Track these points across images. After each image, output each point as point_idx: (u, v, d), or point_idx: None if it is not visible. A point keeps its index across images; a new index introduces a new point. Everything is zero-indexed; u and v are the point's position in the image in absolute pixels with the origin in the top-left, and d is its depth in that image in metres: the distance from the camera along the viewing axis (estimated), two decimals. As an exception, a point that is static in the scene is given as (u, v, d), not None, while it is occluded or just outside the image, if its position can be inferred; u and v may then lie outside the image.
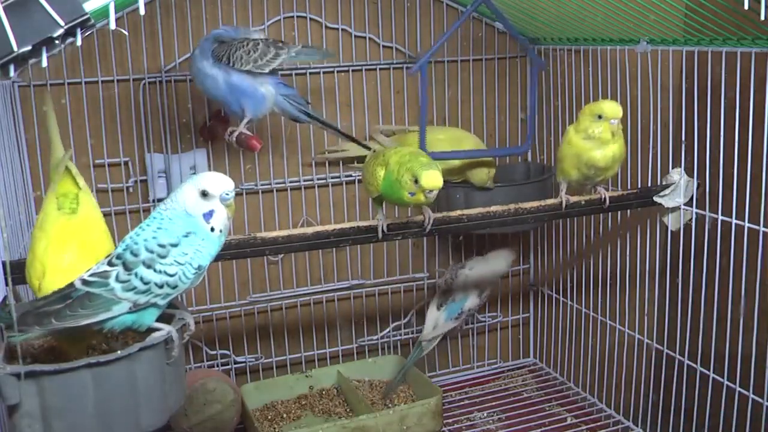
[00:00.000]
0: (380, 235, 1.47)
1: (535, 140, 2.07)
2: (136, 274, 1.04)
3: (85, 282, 1.05)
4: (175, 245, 1.06)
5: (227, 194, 1.08)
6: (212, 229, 1.09)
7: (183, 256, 1.06)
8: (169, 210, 1.09)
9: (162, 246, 1.06)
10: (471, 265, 1.97)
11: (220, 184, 1.08)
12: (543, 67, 1.84)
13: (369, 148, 1.86)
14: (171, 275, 1.05)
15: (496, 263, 1.98)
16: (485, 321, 2.20)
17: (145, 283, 1.04)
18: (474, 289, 1.97)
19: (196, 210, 1.08)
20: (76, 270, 1.10)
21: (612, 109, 1.50)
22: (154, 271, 1.05)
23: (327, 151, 1.94)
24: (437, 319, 1.98)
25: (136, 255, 1.05)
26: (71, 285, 1.05)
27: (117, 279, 1.04)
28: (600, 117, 1.50)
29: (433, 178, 1.28)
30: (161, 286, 1.05)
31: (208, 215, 1.08)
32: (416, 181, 1.29)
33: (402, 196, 1.33)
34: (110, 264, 1.06)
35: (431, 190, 1.29)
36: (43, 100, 1.41)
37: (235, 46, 1.59)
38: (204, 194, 1.07)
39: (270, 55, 1.60)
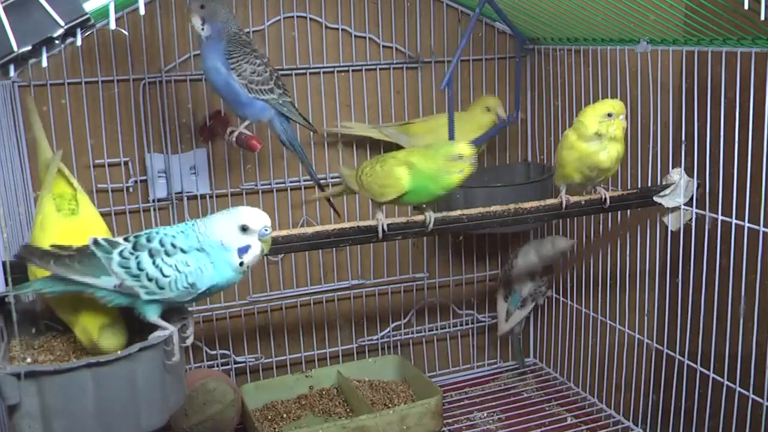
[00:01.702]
0: (380, 234, 1.47)
1: (535, 140, 2.08)
2: (137, 257, 1.06)
3: (96, 242, 1.07)
4: (184, 252, 1.07)
5: (266, 230, 1.10)
6: (241, 264, 1.10)
7: (184, 266, 1.07)
8: (201, 234, 1.09)
9: (173, 246, 1.07)
10: (522, 253, 2.01)
11: (260, 219, 1.10)
12: (525, 44, 1.87)
13: (323, 189, 1.83)
14: (164, 275, 1.06)
15: (542, 248, 1.99)
16: (485, 321, 2.20)
17: (140, 269, 1.06)
18: (526, 275, 1.99)
19: (233, 243, 1.09)
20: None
21: (619, 105, 1.53)
22: (153, 263, 1.06)
23: (337, 127, 1.93)
24: (508, 310, 2.04)
25: (149, 241, 1.07)
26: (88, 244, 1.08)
27: (120, 253, 1.06)
28: (610, 115, 1.51)
29: (468, 146, 1.39)
30: (150, 280, 1.06)
31: (243, 250, 1.09)
32: (460, 156, 1.37)
33: (448, 181, 1.40)
34: (126, 239, 1.09)
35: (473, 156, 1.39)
36: (24, 102, 1.40)
37: (245, 55, 1.57)
38: (244, 229, 1.09)
39: (266, 86, 1.59)
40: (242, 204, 1.89)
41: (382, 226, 1.47)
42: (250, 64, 1.57)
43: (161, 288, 1.07)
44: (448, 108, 1.71)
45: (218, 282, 1.10)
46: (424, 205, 1.51)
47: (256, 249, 1.10)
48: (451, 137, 1.74)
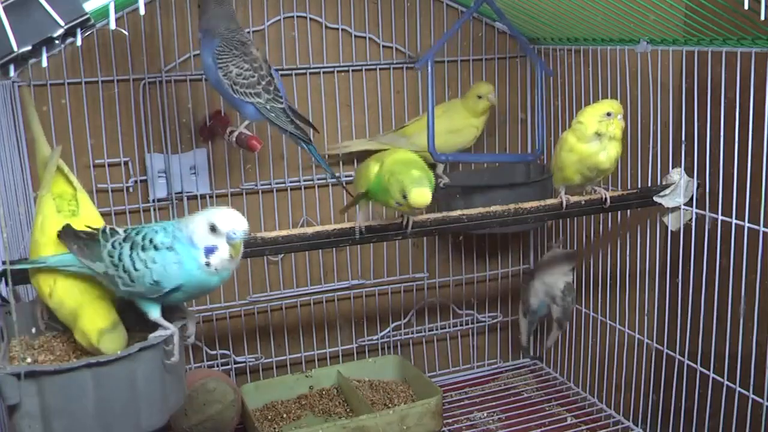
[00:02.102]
0: (357, 236, 1.46)
1: (535, 140, 2.07)
2: (121, 248, 1.08)
3: (103, 230, 1.12)
4: (156, 249, 1.07)
5: (234, 233, 1.06)
6: (207, 264, 1.07)
7: (152, 263, 1.07)
8: (177, 230, 1.09)
9: (150, 242, 1.08)
10: (537, 269, 1.98)
11: (231, 221, 1.07)
12: (550, 74, 1.87)
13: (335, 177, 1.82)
14: (135, 270, 1.07)
15: (553, 259, 1.96)
16: (485, 321, 2.20)
17: (119, 260, 1.08)
18: (543, 292, 1.96)
19: (201, 242, 1.07)
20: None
21: (617, 105, 1.54)
22: (130, 255, 1.07)
23: (338, 147, 1.94)
24: (529, 326, 2.03)
25: (137, 234, 1.09)
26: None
27: (113, 243, 1.09)
28: (609, 114, 1.53)
29: (421, 196, 1.25)
30: (125, 272, 1.07)
31: (209, 250, 1.07)
32: (404, 196, 1.26)
33: (389, 202, 1.32)
34: (124, 231, 1.11)
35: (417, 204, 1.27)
36: (23, 97, 1.40)
37: (233, 57, 1.55)
38: (213, 228, 1.07)
39: (252, 90, 1.57)
40: (242, 204, 1.89)
41: (360, 228, 1.45)
42: (236, 66, 1.55)
43: (132, 281, 1.08)
44: (429, 97, 1.71)
45: (185, 282, 1.08)
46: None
47: (223, 252, 1.07)
48: (431, 129, 1.73)
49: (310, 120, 1.83)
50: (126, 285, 1.08)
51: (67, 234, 1.14)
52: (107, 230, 1.12)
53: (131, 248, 1.08)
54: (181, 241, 1.07)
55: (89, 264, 1.10)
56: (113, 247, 1.09)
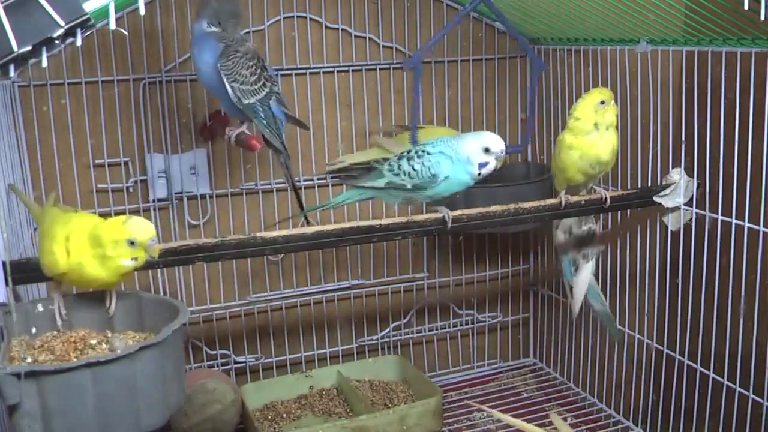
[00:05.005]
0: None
1: (535, 140, 2.08)
2: (399, 163, 1.47)
3: (375, 161, 1.53)
4: (429, 154, 1.44)
5: (501, 152, 1.42)
6: (479, 174, 1.43)
7: (428, 162, 1.43)
8: (451, 148, 1.43)
9: (423, 152, 1.45)
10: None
11: (499, 144, 1.42)
12: (543, 69, 1.87)
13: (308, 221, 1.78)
14: (414, 170, 1.44)
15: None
16: (485, 321, 2.20)
17: (399, 169, 1.46)
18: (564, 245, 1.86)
19: (476, 159, 1.42)
20: (95, 255, 1.14)
21: (608, 92, 1.55)
22: (408, 163, 1.45)
23: (333, 163, 1.96)
24: (570, 287, 1.85)
25: (408, 152, 1.47)
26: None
27: (389, 163, 1.48)
28: (603, 103, 1.53)
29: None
30: (405, 174, 1.45)
31: (482, 165, 1.42)
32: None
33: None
34: (395, 156, 1.50)
35: None
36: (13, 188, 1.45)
37: (239, 61, 1.53)
38: (486, 150, 1.42)
39: (256, 86, 1.57)
40: (242, 204, 1.89)
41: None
42: (243, 68, 1.55)
43: (412, 178, 1.44)
44: (414, 97, 1.75)
45: (452, 176, 1.43)
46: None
47: (491, 166, 1.43)
48: (414, 129, 1.79)
49: (310, 120, 1.84)
50: (411, 179, 1.44)
51: (344, 175, 1.64)
52: (378, 161, 1.51)
53: (408, 160, 1.45)
54: (458, 157, 1.43)
55: (372, 184, 1.49)
56: (390, 165, 1.47)
